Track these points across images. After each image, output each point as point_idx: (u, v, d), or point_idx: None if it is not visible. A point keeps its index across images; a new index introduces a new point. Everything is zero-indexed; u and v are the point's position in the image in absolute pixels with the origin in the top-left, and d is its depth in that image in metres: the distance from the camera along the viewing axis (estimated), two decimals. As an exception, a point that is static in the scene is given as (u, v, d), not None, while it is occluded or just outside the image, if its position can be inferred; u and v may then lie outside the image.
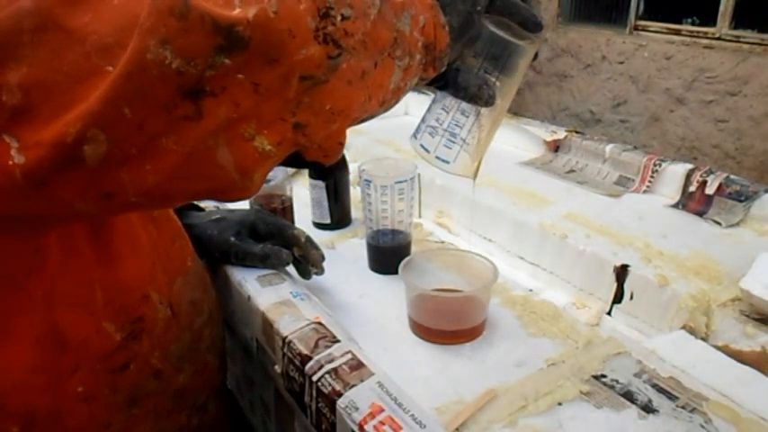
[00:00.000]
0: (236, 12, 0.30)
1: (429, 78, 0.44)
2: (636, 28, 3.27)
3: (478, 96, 0.46)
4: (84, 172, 0.31)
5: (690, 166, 0.88)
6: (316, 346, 0.52)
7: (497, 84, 0.47)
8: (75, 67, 0.30)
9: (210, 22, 0.30)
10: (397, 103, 0.43)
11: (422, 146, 0.50)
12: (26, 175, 0.31)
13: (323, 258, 0.69)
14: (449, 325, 0.64)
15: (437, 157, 0.50)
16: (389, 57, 0.38)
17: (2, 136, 0.30)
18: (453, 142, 0.49)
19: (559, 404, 0.53)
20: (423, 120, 0.51)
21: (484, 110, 0.48)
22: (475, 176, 0.52)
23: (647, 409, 0.52)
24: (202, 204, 0.76)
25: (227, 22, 0.30)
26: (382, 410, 0.44)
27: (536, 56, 0.48)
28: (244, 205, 0.82)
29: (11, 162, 0.30)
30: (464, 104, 0.48)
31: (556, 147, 1.05)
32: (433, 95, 0.51)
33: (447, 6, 0.42)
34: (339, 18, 0.34)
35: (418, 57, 0.41)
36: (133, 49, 0.29)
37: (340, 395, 0.46)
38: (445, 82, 0.46)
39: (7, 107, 0.30)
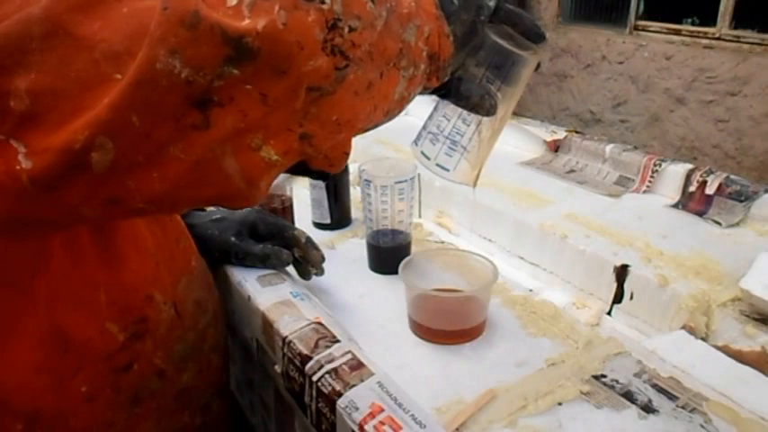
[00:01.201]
0: (246, 23, 0.30)
1: (432, 88, 0.44)
2: (636, 28, 3.27)
3: (480, 106, 0.46)
4: (91, 178, 0.31)
5: (690, 166, 0.88)
6: (316, 346, 0.52)
7: (499, 93, 0.47)
8: (84, 75, 0.30)
9: (220, 33, 0.30)
10: (401, 112, 0.43)
11: (422, 153, 0.51)
12: (33, 180, 0.31)
13: (323, 259, 0.70)
14: (449, 325, 0.64)
15: (437, 165, 0.50)
16: (395, 67, 0.39)
17: (9, 141, 0.30)
18: (454, 150, 0.50)
19: (559, 404, 0.53)
20: (424, 126, 0.52)
21: (485, 119, 0.49)
22: (474, 184, 0.53)
23: (647, 409, 0.52)
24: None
25: (237, 33, 0.30)
26: (382, 410, 0.44)
27: (538, 66, 0.48)
28: (244, 205, 0.82)
29: (18, 167, 0.30)
30: (465, 113, 0.48)
31: (556, 147, 1.06)
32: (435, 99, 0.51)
33: (451, 16, 0.42)
34: (347, 29, 0.34)
35: (423, 67, 0.41)
36: (143, 57, 0.29)
37: (340, 395, 0.46)
38: (447, 91, 0.46)
39: (15, 113, 0.30)
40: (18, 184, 0.31)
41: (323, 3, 0.33)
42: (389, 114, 0.42)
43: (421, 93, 0.44)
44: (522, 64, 0.47)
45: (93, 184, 0.32)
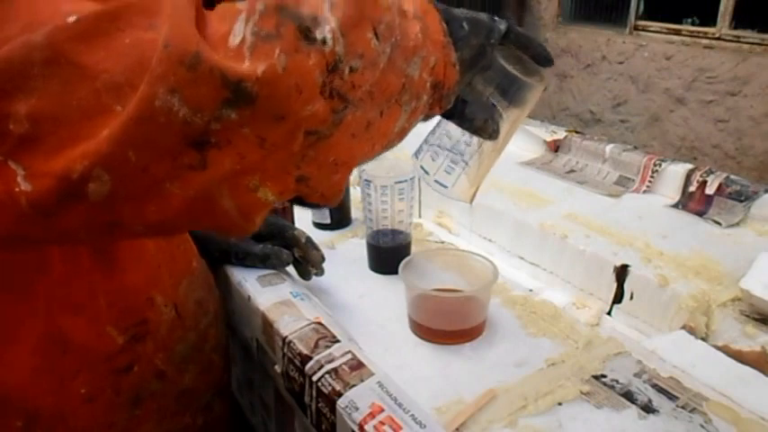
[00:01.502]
0: (246, 66, 0.30)
1: (434, 116, 0.44)
2: (636, 28, 3.28)
3: (483, 129, 0.46)
4: (89, 206, 0.31)
5: (690, 166, 0.88)
6: (316, 346, 0.52)
7: (503, 114, 0.47)
8: (85, 104, 0.30)
9: (219, 76, 0.30)
10: (400, 142, 0.42)
11: (422, 167, 0.51)
12: (32, 203, 0.31)
13: (323, 259, 0.69)
14: (449, 325, 0.64)
15: (436, 181, 0.51)
16: (396, 103, 0.38)
17: (8, 162, 0.30)
18: (454, 168, 0.50)
19: (559, 404, 0.53)
20: (426, 140, 0.52)
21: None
22: (471, 201, 0.53)
23: (647, 409, 0.52)
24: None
25: (236, 77, 0.30)
26: (382, 410, 0.44)
27: (545, 89, 0.49)
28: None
29: (17, 189, 0.30)
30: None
31: (556, 147, 1.06)
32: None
33: (459, 41, 0.41)
34: (347, 71, 0.33)
35: (425, 98, 0.40)
36: (142, 94, 0.29)
37: (340, 395, 0.46)
38: (451, 112, 0.46)
39: (14, 135, 0.30)
40: (17, 206, 0.31)
41: (324, 44, 0.32)
42: (388, 146, 0.41)
43: (423, 120, 0.43)
44: (528, 89, 0.47)
45: (90, 212, 0.32)
